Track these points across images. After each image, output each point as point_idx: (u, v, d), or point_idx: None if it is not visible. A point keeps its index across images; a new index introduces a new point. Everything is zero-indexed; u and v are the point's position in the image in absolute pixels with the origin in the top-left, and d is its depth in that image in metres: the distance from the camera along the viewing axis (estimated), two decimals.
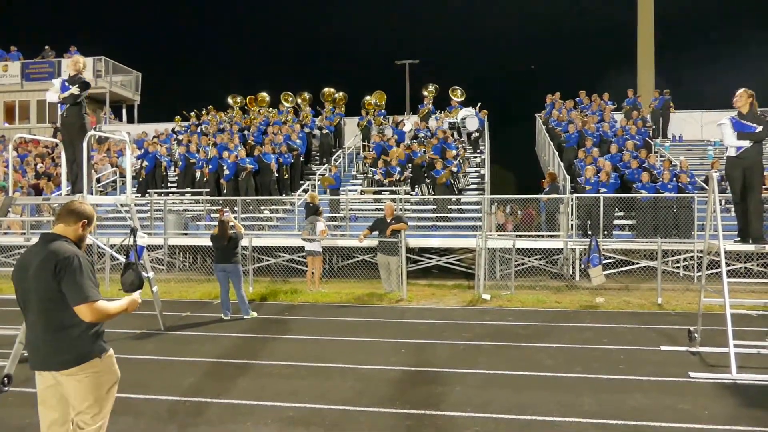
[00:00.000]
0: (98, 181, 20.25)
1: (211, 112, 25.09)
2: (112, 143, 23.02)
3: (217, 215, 11.02)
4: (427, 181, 17.20)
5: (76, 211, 3.73)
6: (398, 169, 17.88)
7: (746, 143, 7.52)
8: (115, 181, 21.07)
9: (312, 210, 13.79)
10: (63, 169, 9.27)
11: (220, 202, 16.75)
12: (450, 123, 22.06)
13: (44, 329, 3.55)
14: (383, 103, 23.58)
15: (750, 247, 7.99)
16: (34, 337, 3.61)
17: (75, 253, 3.55)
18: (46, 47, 29.39)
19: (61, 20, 52.08)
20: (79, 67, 8.64)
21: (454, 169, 17.09)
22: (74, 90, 8.45)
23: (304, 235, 13.08)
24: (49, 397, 3.65)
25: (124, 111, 31.39)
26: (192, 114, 25.18)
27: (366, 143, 21.81)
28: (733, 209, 8.32)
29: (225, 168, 18.16)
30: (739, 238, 8.04)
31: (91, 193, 9.45)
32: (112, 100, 29.63)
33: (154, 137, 23.34)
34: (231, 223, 10.94)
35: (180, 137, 22.83)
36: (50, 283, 3.47)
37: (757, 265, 13.94)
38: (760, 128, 7.52)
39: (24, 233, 17.14)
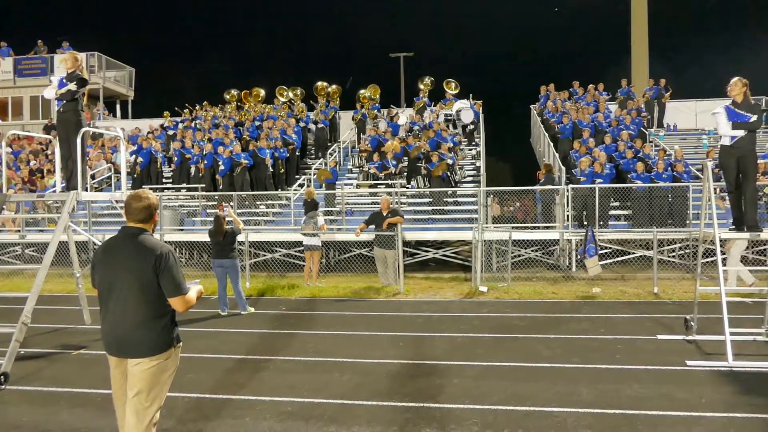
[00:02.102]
0: (93, 177, 20.17)
1: (205, 107, 25.01)
2: (107, 139, 22.91)
3: (217, 210, 11.00)
4: (423, 173, 17.19)
5: (150, 205, 3.95)
6: (394, 162, 17.86)
7: (740, 132, 7.53)
8: (110, 178, 20.98)
9: (311, 206, 13.78)
10: (57, 166, 9.23)
11: (216, 197, 16.72)
12: (446, 115, 22.03)
13: (137, 318, 3.79)
14: (377, 96, 23.52)
15: (745, 235, 8.02)
16: (121, 324, 3.81)
17: (170, 249, 3.89)
18: (39, 43, 29.20)
19: (54, 16, 51.81)
20: (77, 64, 8.59)
21: (450, 162, 17.07)
22: (71, 86, 8.41)
23: (308, 230, 13.03)
24: (122, 379, 3.92)
25: (118, 107, 31.25)
26: (185, 111, 25.09)
27: (362, 136, 21.76)
28: (727, 198, 8.32)
29: (220, 163, 18.12)
30: (734, 227, 8.07)
31: (86, 190, 9.41)
32: (105, 95, 29.49)
33: (148, 133, 23.24)
34: (229, 218, 10.94)
35: (170, 132, 22.74)
36: (149, 275, 3.76)
37: (752, 253, 13.98)
38: (754, 117, 7.53)
39: (19, 230, 17.07)
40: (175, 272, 3.82)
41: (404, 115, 22.42)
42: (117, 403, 3.99)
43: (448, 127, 20.46)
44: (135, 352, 3.81)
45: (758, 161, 8.55)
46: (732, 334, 6.83)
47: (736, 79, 7.68)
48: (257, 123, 21.61)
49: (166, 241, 15.91)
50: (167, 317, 3.89)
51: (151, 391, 3.84)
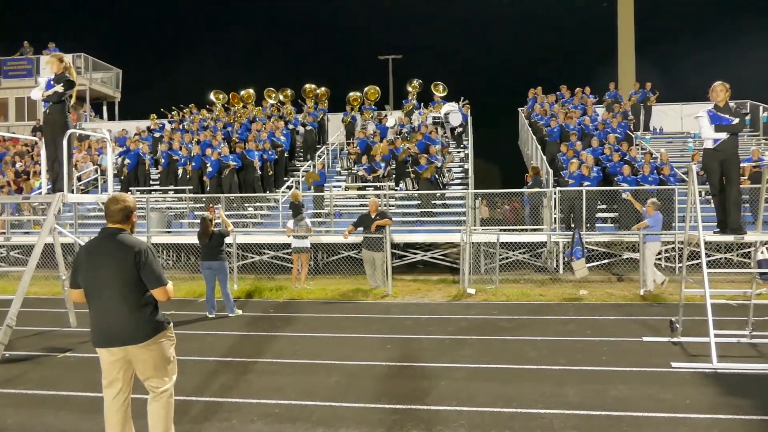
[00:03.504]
0: (79, 179, 20.04)
1: (193, 110, 24.91)
2: (93, 141, 22.77)
3: (206, 213, 10.96)
4: (412, 176, 17.22)
5: (129, 207, 4.30)
6: (382, 164, 17.88)
7: (723, 135, 7.62)
8: (96, 180, 20.86)
9: (297, 208, 13.77)
10: (43, 168, 9.17)
11: (204, 199, 16.66)
12: (434, 118, 22.09)
13: (123, 310, 4.13)
14: (375, 99, 23.54)
15: (729, 238, 8.11)
16: (108, 318, 4.15)
17: (147, 246, 4.25)
18: (25, 44, 28.98)
19: (40, 16, 51.42)
20: (64, 66, 8.53)
21: (438, 164, 17.12)
22: (58, 88, 8.35)
23: (301, 232, 13.01)
24: (115, 371, 4.23)
25: (104, 108, 31.06)
26: (174, 112, 24.97)
27: (350, 140, 21.76)
28: (712, 201, 8.40)
29: (208, 165, 18.06)
30: (718, 229, 8.16)
31: (72, 192, 9.35)
32: (92, 97, 29.31)
33: (135, 134, 23.13)
34: (218, 220, 10.90)
35: (156, 135, 22.64)
36: (131, 270, 4.11)
37: (737, 255, 14.13)
38: (736, 120, 7.63)
39: (4, 233, 16.92)
40: (154, 266, 4.18)
41: (392, 118, 22.44)
42: (110, 391, 4.27)
43: (436, 129, 20.53)
44: (135, 339, 4.14)
45: (741, 164, 8.64)
46: (717, 336, 6.90)
47: (718, 83, 7.78)
48: (246, 125, 21.56)
49: (153, 243, 15.98)
50: (151, 306, 4.25)
51: (160, 370, 4.26)
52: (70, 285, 4.34)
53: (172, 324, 4.42)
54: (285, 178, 19.43)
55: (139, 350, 4.17)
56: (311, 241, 13.76)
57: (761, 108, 21.69)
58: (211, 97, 25.14)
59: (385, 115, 22.64)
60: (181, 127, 23.26)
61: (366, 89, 23.50)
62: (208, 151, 18.32)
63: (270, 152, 18.73)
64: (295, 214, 13.68)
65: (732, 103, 7.88)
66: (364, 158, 18.33)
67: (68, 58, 8.88)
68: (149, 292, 4.21)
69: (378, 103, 23.86)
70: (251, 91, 24.64)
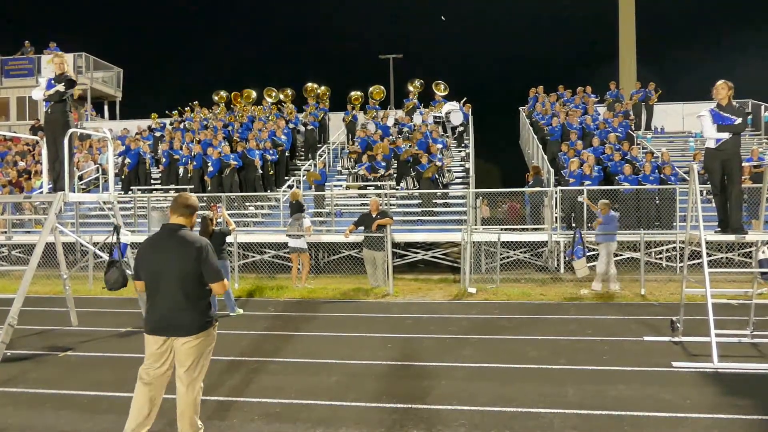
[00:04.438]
0: (80, 178, 20.05)
1: (195, 108, 24.92)
2: (95, 140, 22.78)
3: (208, 212, 10.97)
4: (413, 175, 17.22)
5: (192, 205, 4.64)
6: (383, 164, 17.88)
7: (725, 135, 7.60)
8: (97, 179, 20.87)
9: (296, 208, 13.75)
10: (44, 167, 9.17)
11: (205, 198, 16.65)
12: (435, 117, 22.08)
13: (181, 302, 4.40)
14: (380, 99, 23.53)
15: (730, 238, 8.09)
16: (166, 309, 4.42)
17: (207, 242, 4.52)
18: (26, 43, 29.00)
19: (41, 16, 51.45)
20: (64, 67, 8.54)
21: (439, 163, 17.13)
22: (59, 87, 8.36)
23: (290, 230, 13.02)
24: (157, 359, 4.50)
25: (105, 107, 31.07)
26: (175, 112, 24.98)
27: (352, 139, 21.75)
28: (713, 200, 8.39)
29: (209, 164, 18.06)
30: (719, 229, 8.14)
31: (74, 191, 9.35)
32: (93, 96, 29.31)
33: (136, 134, 23.14)
34: (219, 219, 10.90)
35: (157, 134, 22.64)
36: (193, 265, 4.38)
37: (738, 255, 14.11)
38: (739, 120, 7.61)
39: (5, 232, 16.93)
40: (214, 261, 4.48)
41: (392, 117, 22.42)
42: (148, 373, 4.52)
43: (437, 129, 20.51)
44: (183, 332, 4.42)
45: (743, 164, 8.63)
46: (717, 335, 6.90)
47: (721, 82, 7.75)
48: (248, 124, 21.57)
49: None
50: (206, 300, 4.54)
51: (197, 363, 4.50)
52: (134, 278, 4.63)
53: (218, 322, 4.74)
54: (286, 178, 19.44)
55: (187, 341, 4.43)
56: (311, 241, 13.76)
57: (763, 107, 21.66)
58: (213, 98, 25.16)
59: (386, 114, 22.62)
60: (182, 126, 23.26)
61: (371, 89, 23.50)
62: (209, 150, 18.32)
63: (271, 151, 18.73)
64: (293, 213, 13.67)
65: (735, 102, 7.86)
66: (365, 157, 18.32)
67: (68, 57, 8.89)
68: (206, 286, 4.49)
69: (381, 103, 23.86)
70: (252, 91, 24.65)
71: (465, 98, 22.75)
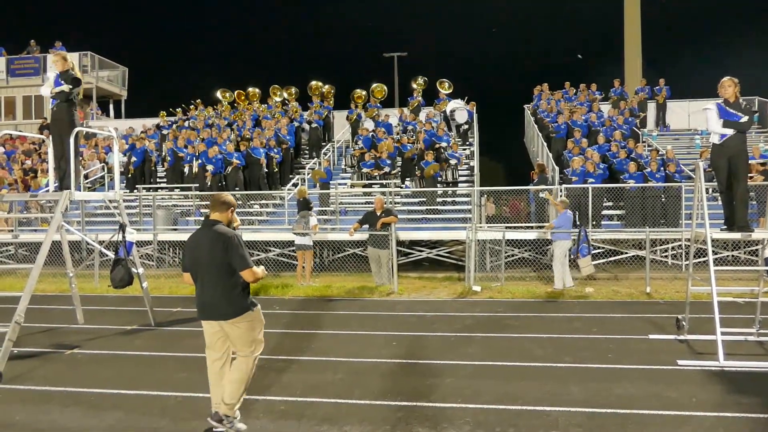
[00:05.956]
0: (86, 177, 20.11)
1: (199, 106, 24.96)
2: (100, 139, 22.84)
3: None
4: (418, 173, 17.22)
5: (227, 202, 5.08)
6: (388, 162, 17.88)
7: (729, 131, 7.56)
8: (103, 177, 20.93)
9: (303, 205, 13.76)
10: (50, 165, 9.20)
11: (210, 197, 16.66)
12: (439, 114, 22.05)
13: (217, 290, 4.88)
14: (381, 97, 23.53)
15: (736, 235, 8.05)
16: (207, 295, 4.93)
17: (234, 234, 4.95)
18: (32, 42, 29.07)
19: (47, 15, 51.59)
20: (68, 64, 8.54)
21: (453, 162, 17.18)
22: (65, 87, 8.36)
23: (298, 229, 13.04)
24: (215, 341, 5.07)
25: (111, 106, 31.15)
26: (179, 110, 25.03)
27: (355, 138, 21.76)
28: (719, 198, 8.35)
29: (213, 162, 18.07)
30: (725, 227, 8.11)
31: (79, 189, 9.39)
32: (98, 95, 29.40)
33: (141, 132, 23.20)
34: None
35: (164, 132, 22.70)
36: (222, 255, 4.82)
37: (744, 253, 14.06)
38: (745, 118, 7.56)
39: (12, 230, 17.01)
40: (241, 250, 4.84)
41: (394, 117, 22.39)
42: (210, 354, 5.13)
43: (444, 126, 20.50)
44: (226, 315, 4.89)
45: (749, 161, 8.58)
46: (723, 333, 6.86)
47: (726, 78, 7.71)
48: (252, 122, 21.59)
49: (159, 241, 16.02)
50: (239, 287, 4.93)
51: (248, 343, 4.99)
52: (182, 269, 5.14)
53: (259, 306, 5.08)
54: (290, 176, 19.46)
55: (230, 326, 4.91)
56: (315, 239, 13.77)
57: None
58: (218, 95, 25.20)
59: (386, 114, 22.58)
60: (186, 124, 23.30)
61: (372, 87, 23.50)
62: (214, 149, 18.34)
63: (275, 149, 18.74)
64: (300, 210, 13.69)
65: (742, 100, 7.82)
66: (368, 155, 18.33)
67: (74, 56, 8.90)
68: (238, 275, 4.86)
69: (384, 101, 23.86)
70: (257, 90, 24.68)
71: (467, 97, 22.72)
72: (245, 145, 18.63)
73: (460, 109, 21.64)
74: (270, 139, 19.05)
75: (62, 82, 8.42)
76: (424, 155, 17.19)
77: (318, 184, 17.64)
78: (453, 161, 17.44)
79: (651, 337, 8.08)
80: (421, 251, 15.67)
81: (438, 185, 17.02)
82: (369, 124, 20.86)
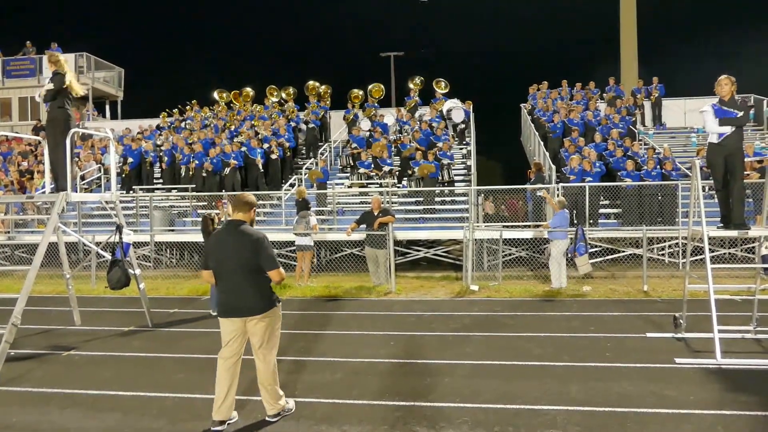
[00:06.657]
0: (83, 178, 20.07)
1: (194, 107, 24.93)
2: (96, 140, 22.80)
3: (217, 210, 10.97)
4: (415, 173, 17.21)
5: (249, 202, 5.21)
6: (388, 161, 17.88)
7: (728, 129, 7.57)
8: (99, 178, 20.89)
9: (302, 205, 13.75)
10: (46, 167, 9.18)
11: (207, 197, 16.67)
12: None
13: (245, 288, 5.02)
14: (379, 97, 23.51)
15: (733, 233, 8.06)
16: (232, 294, 5.07)
17: (263, 235, 5.09)
18: (27, 44, 28.99)
19: (43, 16, 51.46)
20: (59, 65, 8.49)
21: (446, 162, 17.16)
22: (48, 86, 8.32)
23: (298, 229, 13.02)
24: (233, 339, 5.14)
25: (107, 107, 31.08)
26: (175, 111, 25.00)
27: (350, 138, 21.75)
28: (716, 196, 8.36)
29: (209, 162, 18.06)
30: (722, 225, 8.12)
31: (76, 191, 9.36)
32: (95, 96, 29.32)
33: (138, 133, 23.16)
34: (223, 218, 10.89)
35: (163, 133, 22.67)
36: (251, 255, 4.98)
37: (741, 250, 14.09)
38: (741, 114, 7.58)
39: (8, 232, 16.97)
40: (270, 252, 5.04)
41: (390, 117, 22.38)
42: (225, 352, 5.16)
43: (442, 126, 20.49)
44: (250, 312, 5.04)
45: (745, 159, 8.59)
46: (720, 331, 6.87)
47: (724, 77, 7.72)
48: (248, 122, 21.57)
49: (156, 242, 16.00)
50: (266, 285, 5.13)
51: (269, 340, 5.18)
52: (203, 267, 5.25)
53: (281, 303, 5.30)
54: (288, 176, 19.43)
55: (255, 321, 5.05)
56: (315, 239, 13.75)
57: (765, 102, 21.59)
58: (215, 95, 25.18)
59: (380, 114, 22.56)
60: (183, 125, 23.27)
61: (370, 87, 23.49)
62: (216, 149, 18.33)
63: (273, 149, 18.72)
64: (299, 210, 13.67)
65: (737, 97, 7.83)
66: (364, 155, 18.32)
67: (70, 57, 8.86)
68: (265, 273, 5.04)
69: (381, 101, 23.84)
70: (251, 90, 24.66)
71: (463, 95, 22.77)
72: (238, 146, 18.58)
73: (457, 109, 21.65)
74: (271, 138, 19.03)
75: (52, 83, 8.39)
76: (416, 155, 17.19)
77: (315, 184, 17.63)
78: (445, 161, 17.41)
79: (648, 335, 8.09)
80: (419, 251, 15.68)
81: (435, 185, 17.02)
82: (365, 124, 20.84)
